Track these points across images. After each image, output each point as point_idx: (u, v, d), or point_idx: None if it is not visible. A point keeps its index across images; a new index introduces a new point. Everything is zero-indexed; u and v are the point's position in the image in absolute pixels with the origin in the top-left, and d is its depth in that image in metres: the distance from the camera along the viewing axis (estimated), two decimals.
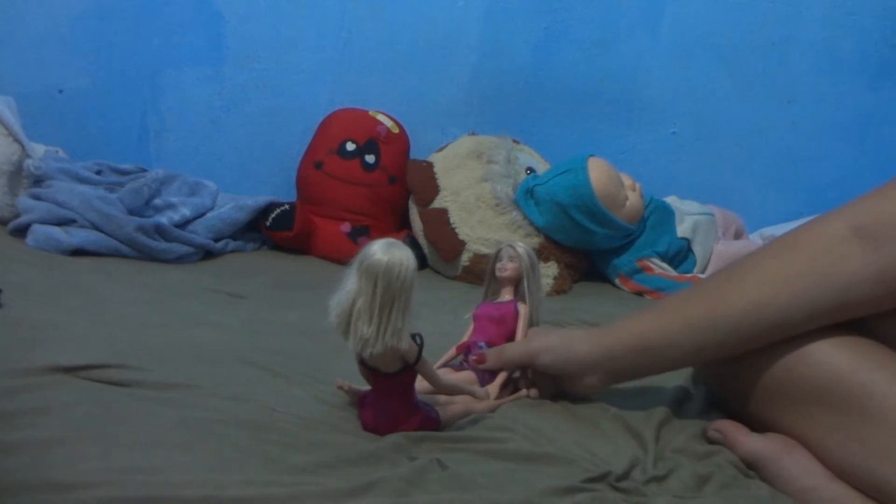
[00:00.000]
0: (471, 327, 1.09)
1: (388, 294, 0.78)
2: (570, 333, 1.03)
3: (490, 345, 1.06)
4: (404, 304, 0.79)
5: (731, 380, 0.98)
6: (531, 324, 1.07)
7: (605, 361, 0.97)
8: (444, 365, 1.08)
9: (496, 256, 1.09)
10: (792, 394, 0.90)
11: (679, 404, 1.06)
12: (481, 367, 1.02)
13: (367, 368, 0.86)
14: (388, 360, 0.83)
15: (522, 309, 1.07)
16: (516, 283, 1.08)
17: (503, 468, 0.82)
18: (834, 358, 0.87)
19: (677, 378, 1.13)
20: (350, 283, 0.80)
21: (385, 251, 0.78)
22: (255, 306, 1.35)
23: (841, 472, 0.87)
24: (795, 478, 0.88)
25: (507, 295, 1.08)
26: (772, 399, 0.92)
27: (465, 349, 1.07)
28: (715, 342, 0.93)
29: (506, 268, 1.07)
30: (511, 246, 1.08)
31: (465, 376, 1.04)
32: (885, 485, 0.83)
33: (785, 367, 0.90)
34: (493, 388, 1.02)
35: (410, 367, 0.84)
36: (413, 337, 0.83)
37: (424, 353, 0.84)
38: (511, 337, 1.07)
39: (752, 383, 0.94)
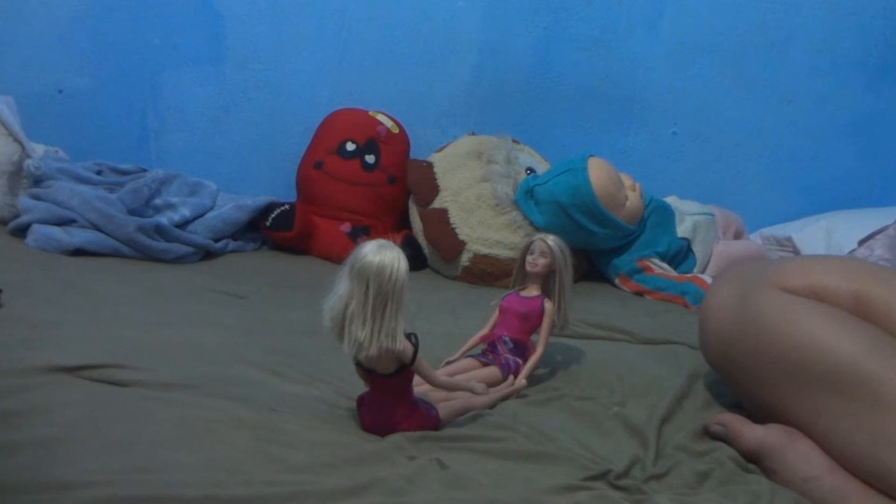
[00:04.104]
0: (495, 316, 1.11)
1: (381, 295, 0.78)
2: None
3: (513, 339, 1.08)
4: (397, 305, 0.79)
5: (742, 362, 0.97)
6: (562, 318, 1.08)
7: None
8: (466, 353, 1.09)
9: (527, 249, 1.09)
10: (803, 378, 0.90)
11: (680, 401, 1.06)
12: None
13: (364, 370, 0.86)
14: (383, 362, 0.83)
15: (549, 307, 1.08)
16: (545, 277, 1.09)
17: (503, 467, 0.83)
18: (848, 344, 0.88)
19: (680, 375, 1.14)
20: (342, 285, 0.79)
21: (376, 252, 0.78)
22: (255, 306, 1.35)
23: (844, 461, 0.87)
24: (798, 467, 0.89)
25: (534, 290, 1.09)
26: (782, 382, 0.92)
27: (490, 343, 1.09)
28: None
29: (536, 263, 1.07)
30: (542, 240, 1.08)
31: (489, 373, 1.05)
32: (888, 473, 0.83)
33: (798, 352, 0.90)
34: (521, 380, 1.05)
35: (407, 368, 0.84)
36: (408, 337, 0.82)
37: (420, 353, 0.84)
38: (534, 332, 1.08)
39: (763, 365, 0.94)
